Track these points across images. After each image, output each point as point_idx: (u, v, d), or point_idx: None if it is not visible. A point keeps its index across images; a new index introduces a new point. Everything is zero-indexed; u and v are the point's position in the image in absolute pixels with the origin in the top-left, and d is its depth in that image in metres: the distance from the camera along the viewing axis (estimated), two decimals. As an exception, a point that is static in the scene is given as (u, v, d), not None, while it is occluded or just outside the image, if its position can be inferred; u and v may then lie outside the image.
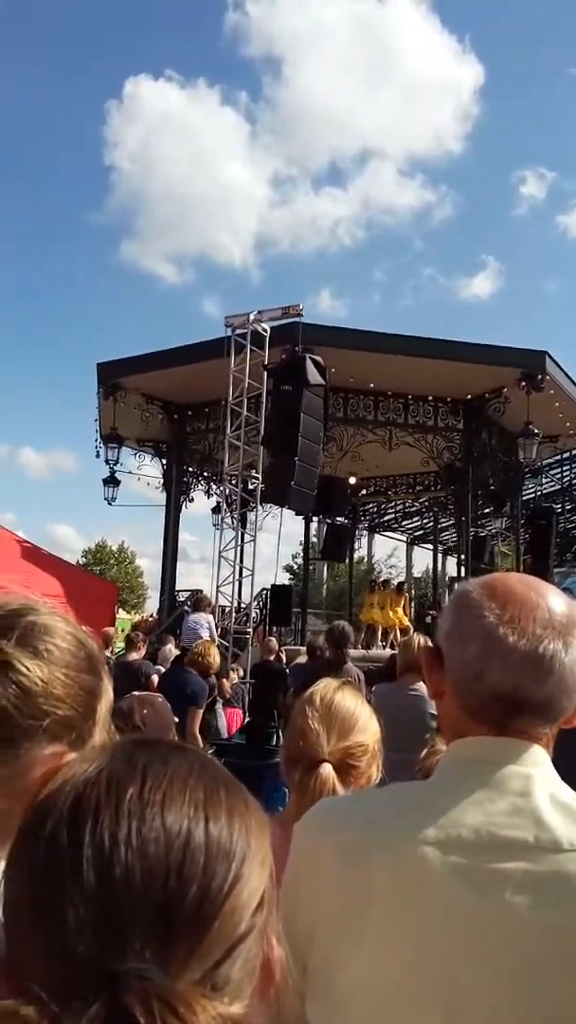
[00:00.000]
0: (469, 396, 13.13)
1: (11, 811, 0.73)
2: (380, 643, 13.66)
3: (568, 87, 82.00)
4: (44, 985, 0.44)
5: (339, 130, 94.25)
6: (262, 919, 0.50)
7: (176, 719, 3.13)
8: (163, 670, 6.88)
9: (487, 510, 16.76)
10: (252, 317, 11.37)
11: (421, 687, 4.68)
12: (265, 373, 10.97)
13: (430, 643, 1.09)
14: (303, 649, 8.78)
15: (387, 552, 32.97)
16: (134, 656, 7.03)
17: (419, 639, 4.97)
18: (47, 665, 0.80)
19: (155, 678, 6.38)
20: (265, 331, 11.35)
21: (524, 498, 16.93)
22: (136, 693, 2.62)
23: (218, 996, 0.45)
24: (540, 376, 11.91)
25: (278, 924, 0.53)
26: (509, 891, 0.84)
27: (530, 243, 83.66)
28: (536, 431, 12.68)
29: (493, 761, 0.93)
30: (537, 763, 0.94)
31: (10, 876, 0.51)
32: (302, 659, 8.28)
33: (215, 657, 6.05)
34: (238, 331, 11.41)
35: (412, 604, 15.39)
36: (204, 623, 8.96)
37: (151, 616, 15.69)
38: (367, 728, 1.60)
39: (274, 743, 6.42)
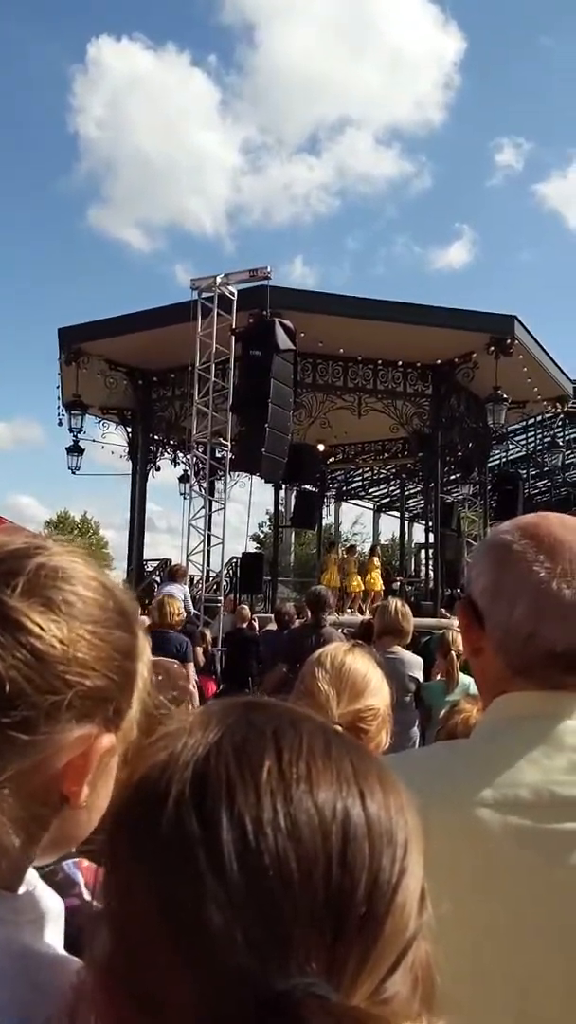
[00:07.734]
0: (439, 361, 13.08)
1: (34, 815, 0.60)
2: (348, 609, 13.73)
3: (544, 57, 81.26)
4: (185, 1007, 0.36)
5: (315, 98, 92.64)
6: (426, 917, 0.42)
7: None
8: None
9: (454, 476, 16.87)
10: (219, 280, 11.14)
11: (399, 650, 4.72)
12: (233, 338, 10.78)
13: (465, 599, 1.03)
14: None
15: (351, 519, 33.25)
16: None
17: (396, 603, 5.00)
18: (66, 621, 0.60)
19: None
20: (232, 294, 11.13)
21: (490, 464, 17.04)
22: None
23: (393, 1017, 0.37)
24: (509, 341, 11.89)
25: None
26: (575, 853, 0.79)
27: (506, 213, 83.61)
28: (504, 396, 12.73)
29: (547, 716, 0.87)
30: None
31: (119, 873, 0.41)
32: (272, 627, 8.29)
33: (175, 607, 6.07)
34: (204, 294, 11.16)
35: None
36: (179, 594, 8.87)
37: (118, 586, 15.52)
38: (379, 692, 1.56)
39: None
